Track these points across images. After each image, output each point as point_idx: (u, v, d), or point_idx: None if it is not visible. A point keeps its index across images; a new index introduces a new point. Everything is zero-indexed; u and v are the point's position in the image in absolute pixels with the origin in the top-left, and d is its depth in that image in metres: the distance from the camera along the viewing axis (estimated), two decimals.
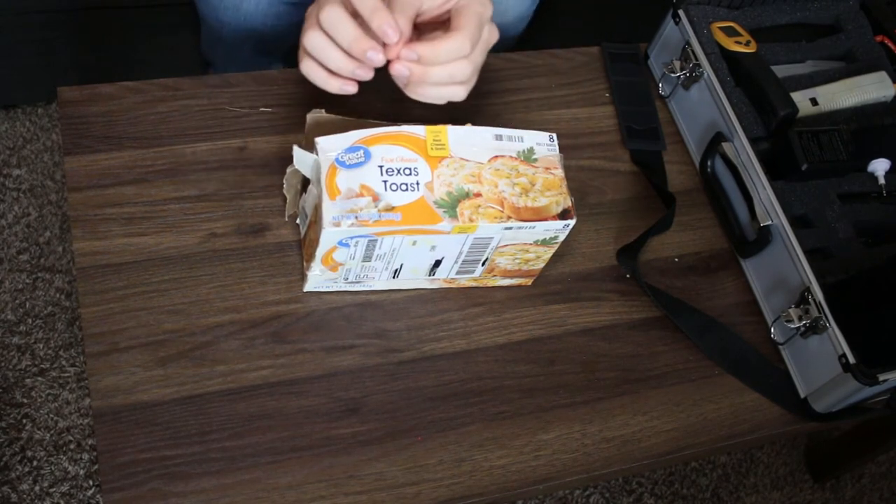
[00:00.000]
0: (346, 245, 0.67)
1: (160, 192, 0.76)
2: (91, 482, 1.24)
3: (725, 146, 0.84)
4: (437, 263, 0.72)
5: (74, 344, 1.32)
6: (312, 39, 0.65)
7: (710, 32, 0.91)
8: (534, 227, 0.69)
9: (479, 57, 0.68)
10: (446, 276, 0.75)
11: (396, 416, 0.71)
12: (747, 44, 0.90)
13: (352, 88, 0.67)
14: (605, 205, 0.86)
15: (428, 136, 0.69)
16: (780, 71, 0.91)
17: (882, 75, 0.93)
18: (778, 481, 1.47)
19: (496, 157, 0.70)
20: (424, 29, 0.70)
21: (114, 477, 0.64)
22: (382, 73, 0.67)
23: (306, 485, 0.67)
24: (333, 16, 0.64)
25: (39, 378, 1.29)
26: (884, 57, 0.95)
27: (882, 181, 0.87)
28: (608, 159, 0.89)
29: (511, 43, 1.12)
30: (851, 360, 0.71)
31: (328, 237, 0.65)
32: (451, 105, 0.70)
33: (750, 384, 0.79)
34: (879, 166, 0.87)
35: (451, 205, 0.67)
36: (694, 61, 0.87)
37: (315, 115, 0.76)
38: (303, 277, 0.74)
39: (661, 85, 0.94)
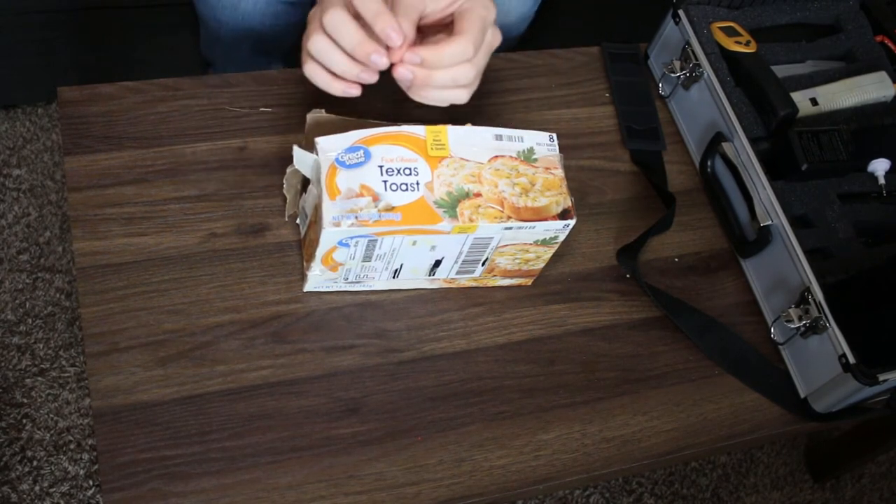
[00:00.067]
0: (346, 245, 0.67)
1: (160, 192, 0.76)
2: (91, 482, 1.24)
3: (725, 146, 0.84)
4: (437, 263, 0.72)
5: (74, 344, 1.32)
6: (317, 43, 0.65)
7: (710, 32, 0.91)
8: (534, 227, 0.69)
9: (482, 60, 0.68)
10: (446, 276, 0.75)
11: (396, 416, 0.71)
12: (747, 44, 0.90)
13: (355, 91, 0.67)
14: (605, 205, 0.86)
15: (428, 136, 0.69)
16: (780, 71, 0.91)
17: (882, 75, 0.93)
18: (778, 481, 1.47)
19: (496, 157, 0.70)
20: (428, 32, 0.70)
21: (114, 477, 0.64)
22: (383, 73, 0.67)
23: (306, 485, 0.67)
24: (337, 20, 0.64)
25: (39, 378, 1.29)
26: (884, 57, 0.95)
27: (882, 181, 0.87)
28: (608, 159, 0.89)
29: (513, 43, 1.12)
30: (851, 360, 0.71)
31: (328, 237, 0.65)
32: (451, 105, 0.70)
33: (750, 384, 0.79)
34: (879, 166, 0.87)
35: (451, 205, 0.67)
36: (694, 61, 0.87)
37: (315, 115, 0.76)
38: (303, 277, 0.74)
39: (661, 85, 0.94)
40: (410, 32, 0.66)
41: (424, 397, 0.72)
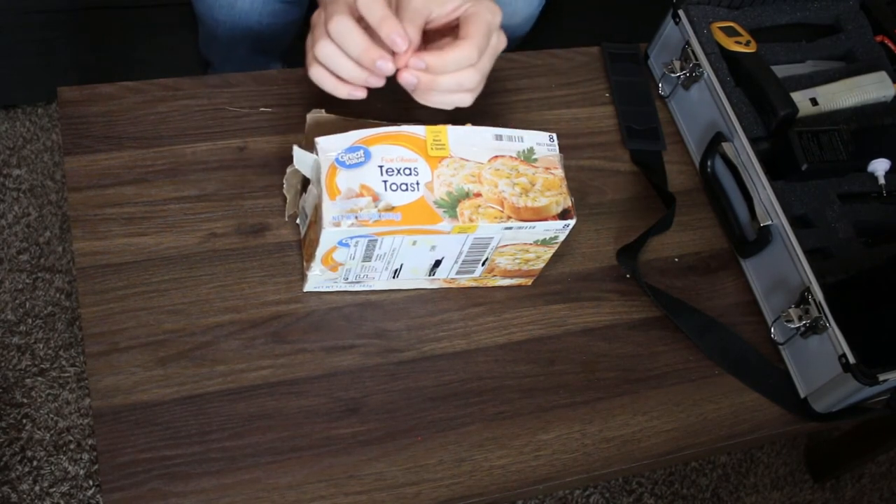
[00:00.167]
0: (346, 245, 0.67)
1: (160, 192, 0.76)
2: (91, 482, 1.24)
3: (725, 146, 0.84)
4: (437, 263, 0.72)
5: (74, 344, 1.32)
6: (323, 49, 0.65)
7: (710, 32, 0.91)
8: (534, 227, 0.69)
9: (486, 64, 0.69)
10: (446, 276, 0.75)
11: (396, 416, 0.71)
12: (747, 44, 0.90)
13: (361, 94, 0.68)
14: (605, 205, 0.86)
15: (428, 136, 0.69)
16: (780, 71, 0.91)
17: (882, 75, 0.93)
18: (778, 481, 1.47)
19: (496, 157, 0.70)
20: (434, 37, 0.70)
21: (114, 477, 0.64)
22: (387, 76, 0.67)
23: (306, 485, 0.67)
24: (342, 26, 0.64)
25: (39, 378, 1.29)
26: (884, 57, 0.95)
27: (882, 181, 0.87)
28: (608, 159, 0.89)
29: (517, 44, 1.12)
30: (851, 360, 0.71)
31: (328, 237, 0.65)
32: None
33: (750, 384, 0.79)
34: (879, 166, 0.87)
35: (451, 205, 0.67)
36: (694, 61, 0.87)
37: (315, 115, 0.76)
38: (303, 277, 0.74)
39: (661, 85, 0.94)
40: (416, 37, 0.66)
41: (424, 397, 0.72)
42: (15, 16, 1.32)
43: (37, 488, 1.22)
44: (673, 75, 0.89)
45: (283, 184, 0.75)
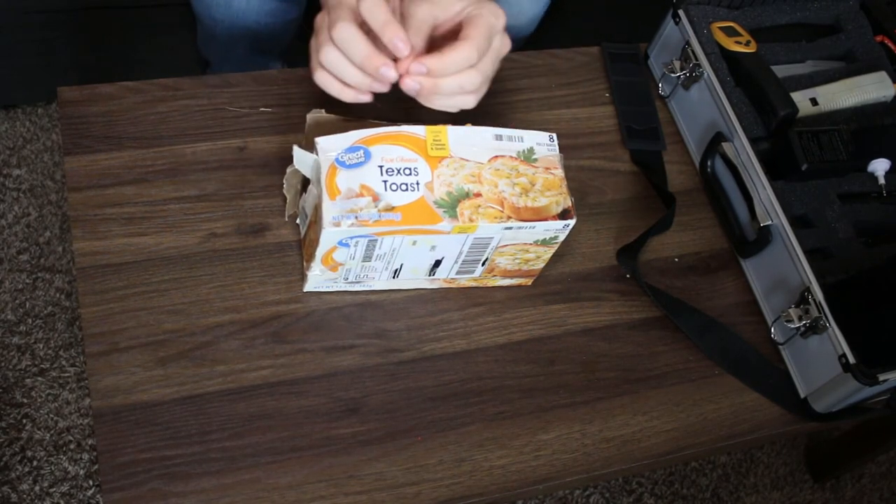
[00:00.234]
0: (346, 245, 0.67)
1: (160, 192, 0.76)
2: (91, 482, 1.24)
3: (725, 146, 0.84)
4: (437, 263, 0.72)
5: (74, 344, 1.32)
6: (328, 55, 0.66)
7: (710, 32, 0.91)
8: (534, 227, 0.69)
9: (488, 66, 0.69)
10: (446, 276, 0.75)
11: (396, 416, 0.71)
12: (747, 44, 0.90)
13: (366, 98, 0.69)
14: (605, 205, 0.86)
15: (428, 136, 0.69)
16: (780, 71, 0.91)
17: (882, 75, 0.93)
18: (778, 481, 1.47)
19: (496, 157, 0.70)
20: (440, 43, 0.70)
21: (114, 477, 0.64)
22: None
23: (306, 485, 0.67)
24: (346, 33, 0.64)
25: (39, 378, 1.29)
26: (884, 57, 0.95)
27: (882, 181, 0.87)
28: (608, 159, 0.89)
29: (522, 44, 1.12)
30: (851, 360, 0.71)
31: (328, 237, 0.65)
32: None
33: (750, 384, 0.79)
34: (879, 166, 0.87)
35: (451, 205, 0.67)
36: (694, 61, 0.87)
37: (315, 115, 0.76)
38: (303, 277, 0.74)
39: (661, 85, 0.94)
40: (420, 45, 0.67)
41: (424, 397, 0.72)
42: (15, 16, 1.32)
43: (37, 488, 1.22)
44: (673, 75, 0.89)
45: (283, 184, 0.75)
